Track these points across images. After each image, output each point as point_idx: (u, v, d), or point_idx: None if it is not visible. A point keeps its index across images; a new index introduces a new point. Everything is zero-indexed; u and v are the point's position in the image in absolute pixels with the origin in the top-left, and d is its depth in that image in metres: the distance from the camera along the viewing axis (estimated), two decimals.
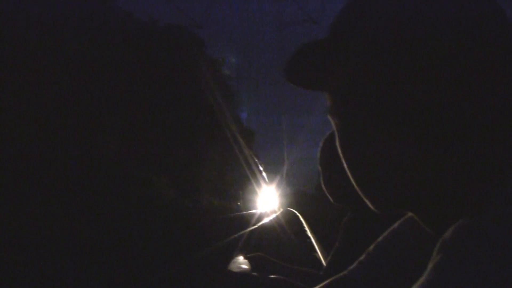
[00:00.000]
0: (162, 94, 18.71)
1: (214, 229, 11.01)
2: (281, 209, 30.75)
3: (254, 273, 1.07)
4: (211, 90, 22.47)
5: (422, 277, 0.32)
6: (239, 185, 31.37)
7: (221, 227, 11.33)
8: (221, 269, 1.19)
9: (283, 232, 9.96)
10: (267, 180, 42.07)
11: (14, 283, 4.04)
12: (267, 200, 38.14)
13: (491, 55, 0.39)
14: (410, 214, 0.51)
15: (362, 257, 0.68)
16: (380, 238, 0.66)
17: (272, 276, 1.02)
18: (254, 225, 12.40)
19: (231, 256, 1.29)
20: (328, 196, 1.23)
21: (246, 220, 14.22)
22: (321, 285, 0.71)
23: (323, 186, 1.24)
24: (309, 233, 8.97)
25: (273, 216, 19.32)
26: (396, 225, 0.64)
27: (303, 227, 11.45)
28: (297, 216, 17.66)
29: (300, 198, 33.33)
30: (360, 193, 0.46)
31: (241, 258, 1.23)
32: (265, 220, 15.87)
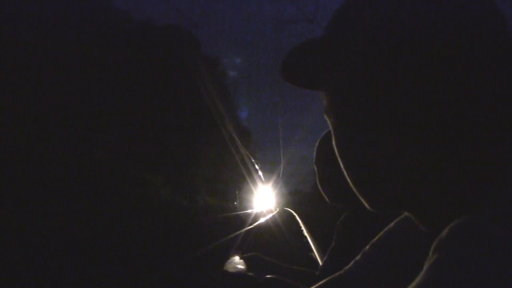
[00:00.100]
0: (159, 94, 18.69)
1: (211, 228, 11.02)
2: (278, 209, 30.80)
3: (250, 273, 1.07)
4: (208, 90, 22.47)
5: (418, 277, 0.32)
6: (235, 185, 31.38)
7: (218, 227, 11.34)
8: (217, 269, 1.19)
9: (280, 231, 9.96)
10: (263, 179, 42.11)
11: (14, 283, 4.03)
12: (264, 200, 38.18)
13: (491, 55, 0.39)
14: (405, 213, 0.51)
15: (358, 257, 0.68)
16: (376, 238, 0.66)
17: (268, 276, 1.01)
18: (250, 224, 12.41)
19: (227, 256, 1.29)
20: (324, 195, 1.23)
21: (243, 219, 14.23)
22: (317, 284, 0.71)
23: (318, 185, 1.23)
24: (305, 233, 8.96)
25: (269, 215, 19.34)
26: (391, 224, 0.64)
27: (300, 226, 11.46)
28: (294, 216, 17.69)
29: (296, 197, 33.40)
30: (356, 192, 0.46)
31: (237, 258, 1.23)
32: (262, 219, 15.88)
